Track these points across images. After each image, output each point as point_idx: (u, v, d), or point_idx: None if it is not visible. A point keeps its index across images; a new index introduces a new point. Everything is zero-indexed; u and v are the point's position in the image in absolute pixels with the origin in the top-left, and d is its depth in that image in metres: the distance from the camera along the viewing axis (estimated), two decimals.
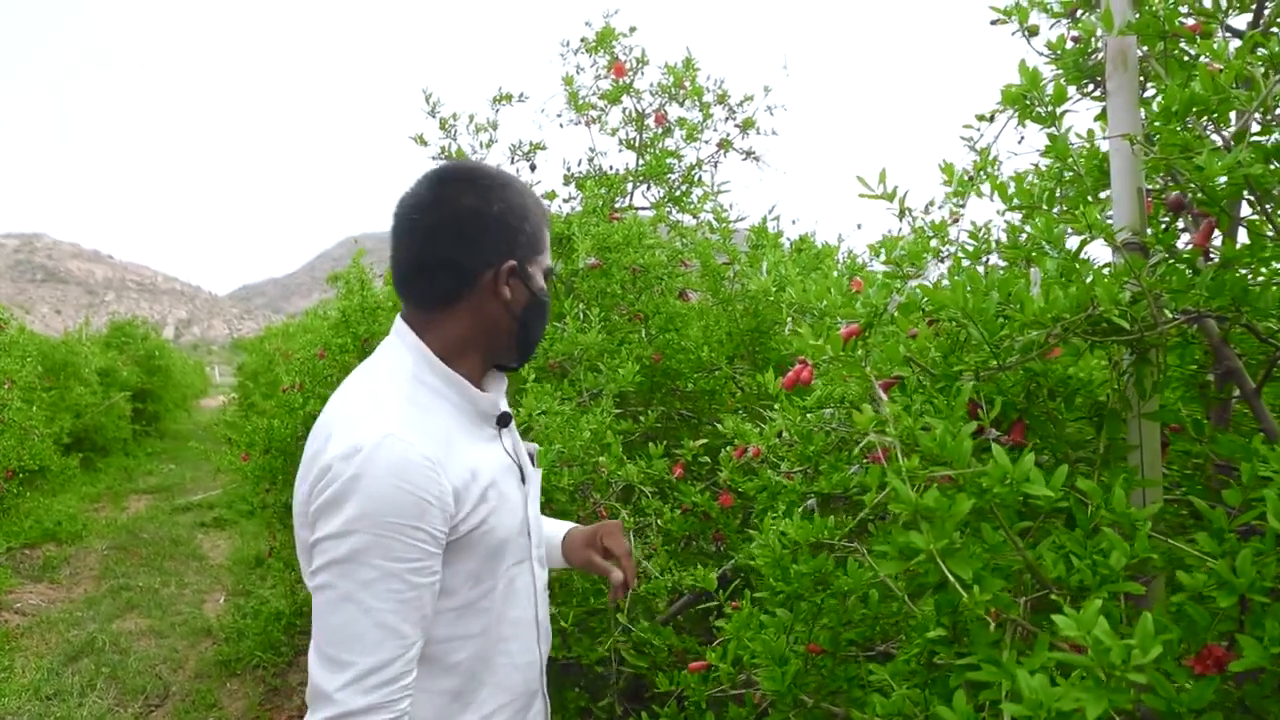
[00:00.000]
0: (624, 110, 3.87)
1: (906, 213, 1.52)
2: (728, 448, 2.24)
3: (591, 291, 3.19)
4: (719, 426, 3.53)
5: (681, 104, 3.91)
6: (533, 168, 3.77)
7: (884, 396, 1.24)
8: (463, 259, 1.26)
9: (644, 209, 3.89)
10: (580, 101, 3.83)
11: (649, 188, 3.93)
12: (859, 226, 4.12)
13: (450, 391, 1.28)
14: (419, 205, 1.28)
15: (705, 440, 2.84)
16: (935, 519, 1.08)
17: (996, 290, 1.34)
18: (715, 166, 3.91)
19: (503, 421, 1.37)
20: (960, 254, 1.99)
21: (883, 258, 1.59)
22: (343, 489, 1.11)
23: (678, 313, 3.40)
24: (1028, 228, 1.59)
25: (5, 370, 7.62)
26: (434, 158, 3.54)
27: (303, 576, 1.21)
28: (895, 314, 1.50)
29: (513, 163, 3.73)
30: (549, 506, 2.50)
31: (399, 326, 1.31)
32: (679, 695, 2.67)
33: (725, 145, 3.89)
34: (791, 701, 1.45)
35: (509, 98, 3.57)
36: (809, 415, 1.93)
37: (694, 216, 3.93)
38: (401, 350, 1.29)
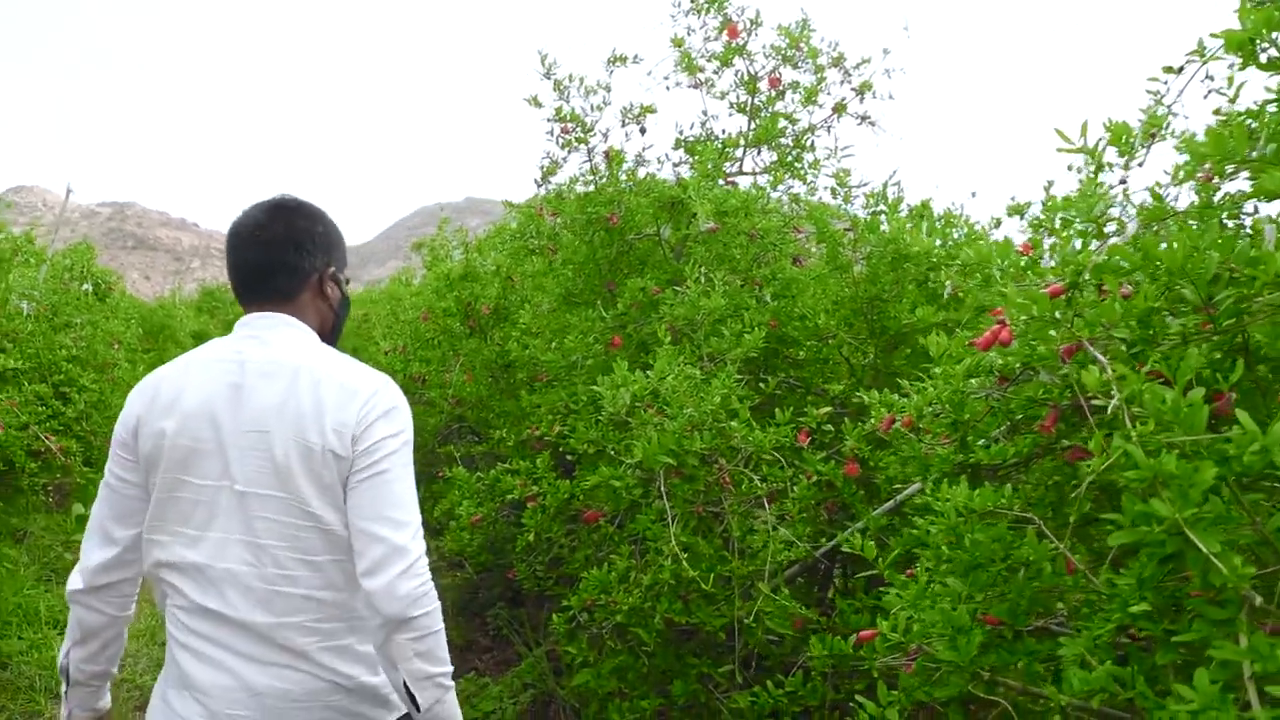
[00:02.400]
0: (736, 73, 3.79)
1: (1106, 168, 1.43)
2: (871, 420, 2.17)
3: (708, 256, 3.14)
4: (828, 395, 3.47)
5: (795, 67, 3.81)
6: (642, 131, 3.73)
7: (1102, 359, 1.17)
8: (297, 264, 1.66)
9: (755, 174, 3.82)
10: (691, 63, 3.76)
11: (759, 153, 3.85)
12: (974, 195, 3.98)
13: None
14: (260, 225, 1.67)
15: (829, 408, 2.79)
16: (1173, 486, 1.01)
17: (1216, 249, 1.25)
18: (829, 131, 3.81)
19: None
20: (1130, 215, 1.89)
21: (1072, 215, 1.50)
22: (392, 406, 1.57)
23: (793, 279, 3.34)
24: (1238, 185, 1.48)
25: (113, 332, 7.92)
26: (548, 119, 3.52)
27: (307, 489, 1.51)
28: (1087, 275, 1.42)
29: (623, 126, 3.69)
30: (678, 473, 2.49)
31: (284, 317, 1.65)
32: (804, 665, 2.65)
33: (840, 109, 3.78)
34: (969, 675, 1.41)
35: (623, 59, 3.52)
36: (971, 381, 1.87)
37: (802, 182, 3.83)
38: (307, 334, 1.67)
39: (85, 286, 7.61)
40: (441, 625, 1.50)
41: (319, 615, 1.53)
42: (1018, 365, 1.92)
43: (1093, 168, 1.51)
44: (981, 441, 2.06)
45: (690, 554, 2.41)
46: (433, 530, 5.24)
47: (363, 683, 1.58)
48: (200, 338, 13.65)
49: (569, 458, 3.13)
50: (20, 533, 6.57)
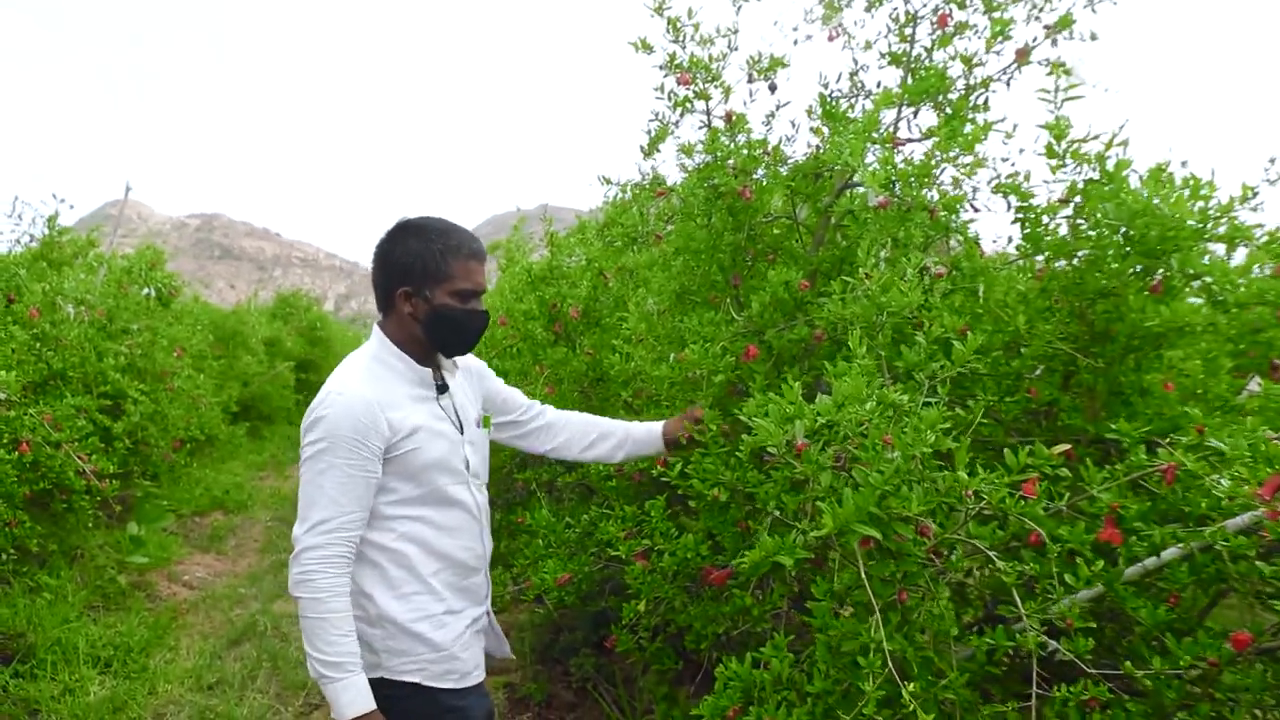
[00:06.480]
0: (892, 12, 3.01)
1: None
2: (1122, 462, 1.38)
3: (879, 237, 2.36)
4: (1005, 422, 2.64)
5: (963, 6, 3.00)
6: (773, 88, 2.97)
7: None
8: (381, 284, 2.08)
9: (914, 140, 3.02)
10: (832, 3, 2.99)
11: (916, 113, 3.05)
12: (1184, 164, 3.13)
13: (400, 364, 2.05)
14: (376, 247, 2.10)
15: (1066, 444, 1.98)
16: None
17: None
18: (1008, 84, 2.99)
19: (441, 389, 2.11)
20: None
21: None
22: (316, 418, 1.91)
23: (982, 268, 2.54)
24: None
25: (177, 338, 7.48)
26: (660, 67, 2.78)
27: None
28: None
29: (750, 82, 2.93)
30: (866, 541, 1.71)
31: (375, 329, 2.10)
32: None
33: (1023, 56, 2.96)
34: None
35: None
36: None
37: (968, 151, 3.00)
38: (371, 339, 2.10)
39: (146, 291, 7.17)
40: (317, 614, 1.82)
41: None
42: None
43: None
44: None
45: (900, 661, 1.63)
46: (514, 574, 4.51)
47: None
48: (272, 344, 13.36)
49: (690, 503, 2.39)
50: (75, 550, 6.11)
